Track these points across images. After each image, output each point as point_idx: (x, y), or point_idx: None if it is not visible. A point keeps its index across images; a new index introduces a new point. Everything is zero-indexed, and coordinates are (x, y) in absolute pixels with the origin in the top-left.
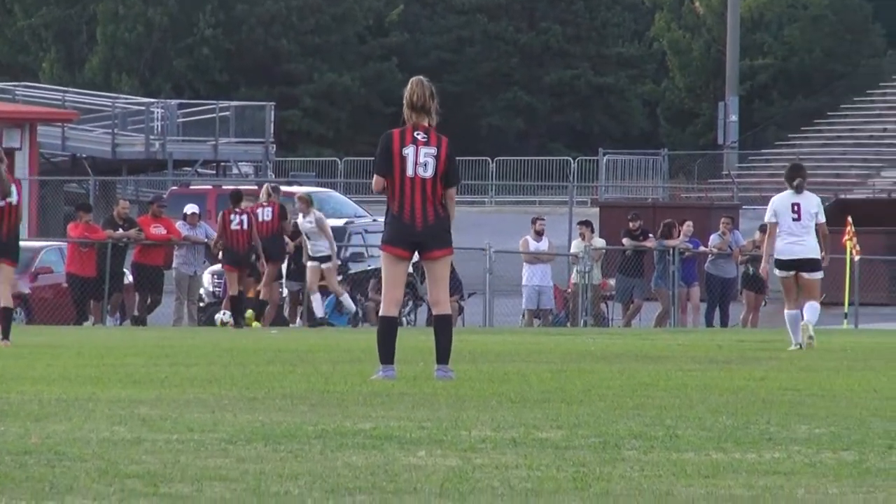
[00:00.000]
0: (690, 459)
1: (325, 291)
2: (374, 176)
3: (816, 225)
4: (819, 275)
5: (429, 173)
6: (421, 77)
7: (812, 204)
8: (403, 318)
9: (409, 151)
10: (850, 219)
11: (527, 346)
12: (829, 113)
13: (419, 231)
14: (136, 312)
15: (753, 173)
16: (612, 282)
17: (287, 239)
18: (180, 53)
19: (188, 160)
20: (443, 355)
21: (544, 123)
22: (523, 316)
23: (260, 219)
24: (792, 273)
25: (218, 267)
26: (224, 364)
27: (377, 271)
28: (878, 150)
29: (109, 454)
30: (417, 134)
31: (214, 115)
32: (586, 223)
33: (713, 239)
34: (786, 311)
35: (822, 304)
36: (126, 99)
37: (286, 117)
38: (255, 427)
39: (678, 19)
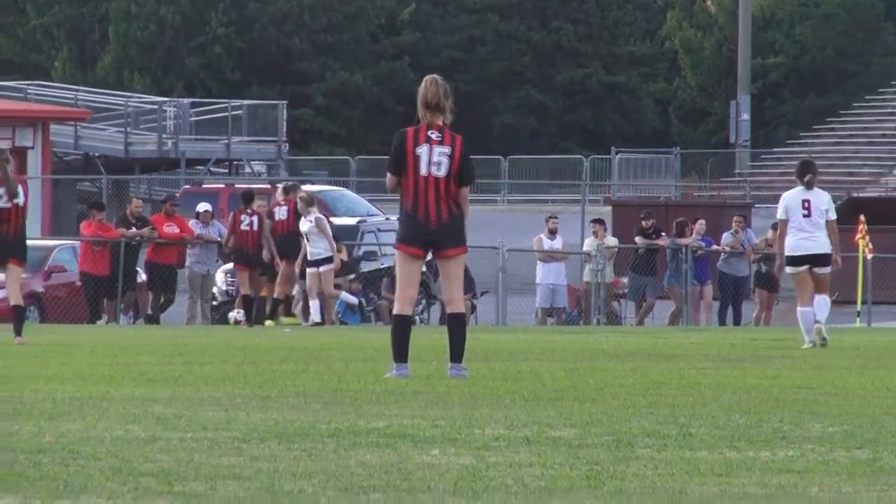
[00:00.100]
0: (704, 458)
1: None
2: (388, 174)
3: (826, 222)
4: (828, 269)
5: (442, 172)
6: (435, 76)
7: (823, 201)
8: (417, 317)
9: (422, 150)
10: (862, 217)
11: (540, 344)
12: (841, 111)
13: (433, 230)
14: (149, 311)
15: (765, 172)
16: (624, 280)
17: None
18: (193, 52)
19: (201, 159)
20: (456, 354)
21: (556, 122)
22: (536, 314)
23: (276, 218)
24: (804, 268)
25: (231, 266)
26: (237, 362)
27: (390, 270)
28: (890, 149)
29: (123, 453)
30: (431, 133)
31: (227, 113)
32: (599, 221)
33: (726, 237)
34: (798, 309)
35: (834, 302)
36: (139, 98)
37: (298, 116)
38: (269, 425)
39: (690, 18)
